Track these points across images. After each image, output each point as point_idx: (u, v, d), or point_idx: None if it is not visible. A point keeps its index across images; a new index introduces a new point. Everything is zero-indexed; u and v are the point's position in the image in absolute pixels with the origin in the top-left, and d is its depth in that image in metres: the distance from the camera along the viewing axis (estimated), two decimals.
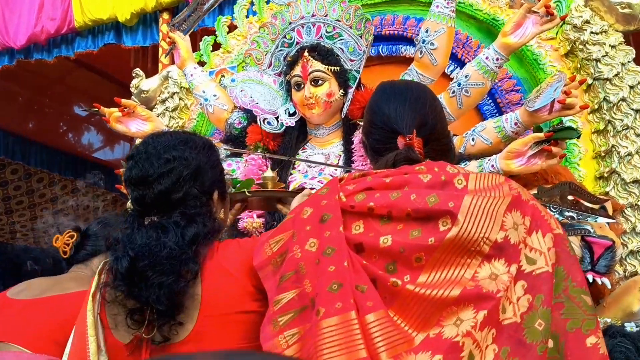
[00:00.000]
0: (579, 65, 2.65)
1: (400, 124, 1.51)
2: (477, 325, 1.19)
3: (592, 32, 2.60)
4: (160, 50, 4.77)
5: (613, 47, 2.59)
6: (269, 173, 2.27)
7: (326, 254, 1.28)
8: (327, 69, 2.56)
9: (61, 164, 8.52)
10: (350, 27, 2.60)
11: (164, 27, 4.81)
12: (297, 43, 2.67)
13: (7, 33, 5.47)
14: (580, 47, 2.63)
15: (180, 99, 3.44)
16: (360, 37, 2.61)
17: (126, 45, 5.12)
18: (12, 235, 9.21)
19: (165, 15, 4.85)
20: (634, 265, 2.43)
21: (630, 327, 1.95)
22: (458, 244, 1.24)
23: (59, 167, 8.47)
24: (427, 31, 2.46)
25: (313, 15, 2.63)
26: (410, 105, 1.54)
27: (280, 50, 2.72)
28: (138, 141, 3.39)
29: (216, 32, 3.43)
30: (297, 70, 2.59)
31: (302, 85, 2.57)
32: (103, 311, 1.59)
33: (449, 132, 1.67)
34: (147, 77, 3.65)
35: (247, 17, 3.39)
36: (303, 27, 2.65)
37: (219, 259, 1.55)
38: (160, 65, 4.72)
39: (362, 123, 2.55)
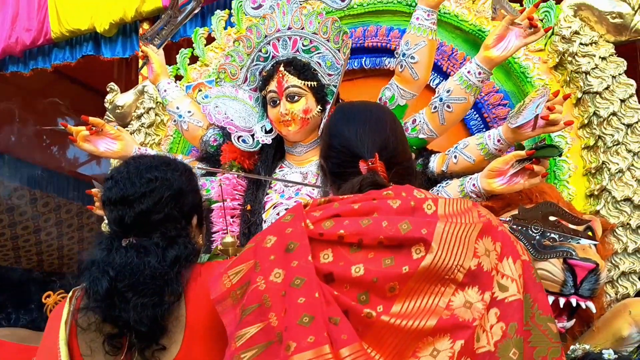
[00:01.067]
0: (568, 78, 2.68)
1: (361, 148, 1.53)
2: (455, 356, 1.22)
3: (581, 44, 2.64)
4: (140, 62, 4.82)
5: (603, 58, 2.62)
6: (229, 239, 2.32)
7: (294, 285, 1.28)
8: (304, 84, 2.59)
9: (42, 180, 8.57)
10: (328, 41, 2.64)
11: None
12: (273, 57, 2.70)
13: None
14: (570, 59, 2.66)
15: (156, 114, 3.48)
16: (338, 50, 2.64)
17: (105, 57, 5.17)
18: None
19: (146, 26, 4.89)
20: (626, 287, 2.45)
21: (608, 354, 1.97)
22: (432, 272, 1.26)
23: (41, 183, 8.52)
24: (407, 44, 2.50)
25: (289, 29, 2.67)
26: (370, 127, 1.56)
27: (256, 64, 2.76)
28: (114, 162, 3.44)
29: (193, 45, 3.47)
30: (273, 85, 2.62)
31: (278, 101, 2.61)
32: (74, 339, 1.61)
33: (410, 154, 1.69)
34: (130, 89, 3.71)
35: (225, 29, 3.44)
36: (279, 40, 2.68)
37: (203, 281, 1.57)
38: (140, 77, 4.77)
39: None
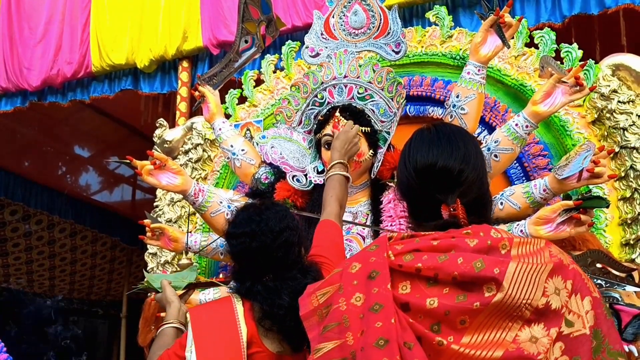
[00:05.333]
0: (605, 133, 2.84)
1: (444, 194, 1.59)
2: None
3: (619, 101, 2.80)
4: (179, 98, 4.99)
5: None
6: (184, 260, 2.54)
7: (373, 310, 1.38)
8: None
9: (61, 206, 8.69)
10: (382, 90, 2.80)
11: (183, 75, 5.05)
12: (328, 103, 2.86)
13: (21, 74, 5.71)
14: (608, 115, 2.82)
15: (203, 150, 3.63)
16: (392, 99, 2.81)
17: (143, 92, 5.34)
18: (6, 278, 9.34)
19: (185, 64, 5.09)
20: None
21: None
22: (501, 309, 1.35)
23: (59, 209, 8.63)
24: (457, 96, 2.65)
25: (345, 77, 2.84)
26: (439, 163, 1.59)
27: (311, 108, 2.92)
28: (159, 193, 3.57)
29: (242, 86, 3.63)
30: (328, 129, 2.78)
31: None
32: (257, 336, 1.93)
33: (488, 183, 1.70)
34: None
35: (274, 72, 3.61)
36: (335, 87, 2.85)
37: None
38: (177, 113, 4.93)
39: (391, 184, 2.75)
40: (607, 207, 2.41)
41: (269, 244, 1.95)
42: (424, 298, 1.40)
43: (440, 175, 1.58)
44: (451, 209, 1.57)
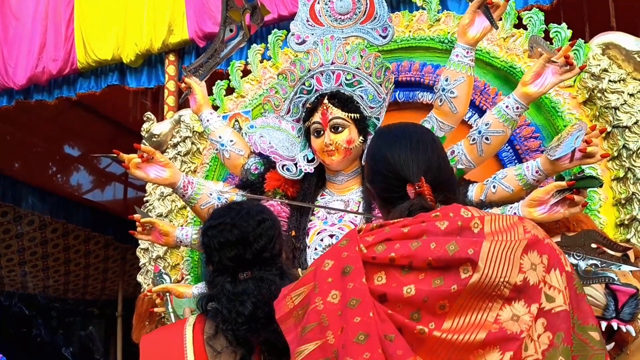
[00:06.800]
0: (597, 113, 2.82)
1: (407, 172, 1.59)
2: None
3: (610, 80, 2.78)
4: (167, 92, 4.95)
5: (631, 95, 2.76)
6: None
7: (350, 306, 1.38)
8: (347, 116, 2.72)
9: (52, 206, 8.63)
10: (370, 75, 2.77)
11: (170, 69, 5.01)
12: (316, 90, 2.83)
13: (6, 73, 5.66)
14: (599, 95, 2.80)
15: (192, 143, 3.59)
16: (380, 84, 2.78)
17: (130, 87, 5.30)
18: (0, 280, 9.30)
19: (172, 57, 5.06)
20: None
21: None
22: (479, 290, 1.35)
23: (51, 209, 8.58)
24: (447, 79, 2.63)
25: (332, 63, 2.80)
26: (412, 150, 1.62)
27: (299, 97, 2.89)
28: (149, 187, 3.54)
29: (229, 77, 3.59)
30: (317, 117, 2.75)
31: (322, 132, 2.73)
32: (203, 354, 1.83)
33: (451, 168, 1.77)
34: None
35: (261, 61, 3.57)
36: (322, 74, 2.82)
37: None
38: (166, 107, 4.90)
39: None
40: (601, 186, 2.39)
41: (250, 232, 1.90)
42: (401, 287, 1.39)
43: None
44: (417, 187, 1.57)
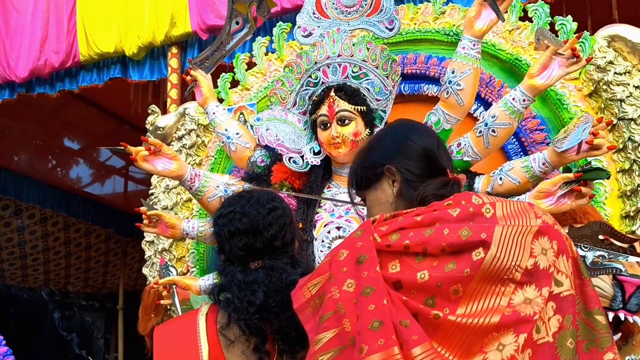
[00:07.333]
0: (602, 106, 2.83)
1: (441, 160, 1.69)
2: (520, 348, 1.33)
3: (615, 73, 2.79)
4: (169, 85, 4.95)
5: (637, 87, 2.77)
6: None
7: (365, 294, 1.40)
8: (354, 108, 2.73)
9: (53, 199, 8.64)
10: (377, 68, 2.78)
11: (172, 62, 5.01)
12: (323, 83, 2.84)
13: (8, 66, 5.65)
14: (604, 87, 2.81)
15: (197, 136, 3.60)
16: (387, 77, 2.79)
17: (132, 80, 5.29)
18: (1, 273, 9.31)
19: (174, 50, 5.05)
20: None
21: None
22: (492, 273, 1.37)
23: (51, 202, 8.59)
24: (453, 72, 2.63)
25: (339, 56, 2.81)
26: (438, 142, 1.73)
27: (306, 89, 2.90)
28: (154, 178, 3.55)
29: (234, 69, 3.60)
30: (324, 109, 2.76)
31: (329, 125, 2.74)
32: (220, 354, 1.84)
33: None
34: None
35: (266, 54, 3.57)
36: (329, 67, 2.83)
37: None
38: (169, 100, 4.89)
39: None
40: (608, 178, 2.40)
41: (260, 221, 1.90)
42: (415, 273, 1.42)
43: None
44: (454, 174, 1.66)
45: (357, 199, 2.73)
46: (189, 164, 3.47)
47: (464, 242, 1.39)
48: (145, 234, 3.58)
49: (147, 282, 3.49)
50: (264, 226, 1.90)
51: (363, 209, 2.68)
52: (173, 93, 4.91)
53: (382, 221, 1.54)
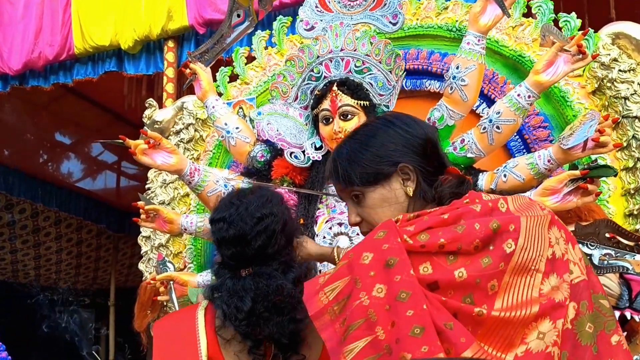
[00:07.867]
0: (606, 103, 2.81)
1: (444, 156, 1.67)
2: (560, 334, 1.32)
3: (620, 70, 2.77)
4: (165, 79, 4.90)
5: None
6: None
7: (400, 299, 1.33)
8: (357, 103, 2.70)
9: (44, 194, 8.57)
10: (380, 62, 2.75)
11: (169, 56, 4.96)
12: (325, 77, 2.80)
13: (1, 58, 5.58)
14: (608, 84, 2.79)
15: (195, 130, 3.56)
16: (390, 72, 2.76)
17: (128, 73, 5.24)
18: None
19: (171, 44, 5.00)
20: None
21: None
22: (521, 264, 1.35)
23: (42, 197, 8.51)
24: (457, 67, 2.61)
25: (342, 50, 2.78)
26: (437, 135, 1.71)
27: (307, 83, 2.86)
28: (152, 173, 3.51)
29: (233, 63, 3.56)
30: (326, 104, 2.73)
31: (331, 120, 2.71)
32: (217, 351, 1.82)
33: None
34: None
35: (265, 48, 3.54)
36: (331, 61, 2.79)
37: None
38: (165, 94, 4.85)
39: None
40: (615, 175, 2.39)
41: (247, 232, 1.83)
42: (451, 272, 1.37)
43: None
44: (460, 172, 1.62)
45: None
46: (187, 158, 3.44)
47: (495, 234, 1.37)
48: (141, 229, 3.54)
49: (143, 278, 3.45)
50: (252, 236, 1.83)
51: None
52: (169, 87, 4.86)
53: (405, 221, 1.47)
